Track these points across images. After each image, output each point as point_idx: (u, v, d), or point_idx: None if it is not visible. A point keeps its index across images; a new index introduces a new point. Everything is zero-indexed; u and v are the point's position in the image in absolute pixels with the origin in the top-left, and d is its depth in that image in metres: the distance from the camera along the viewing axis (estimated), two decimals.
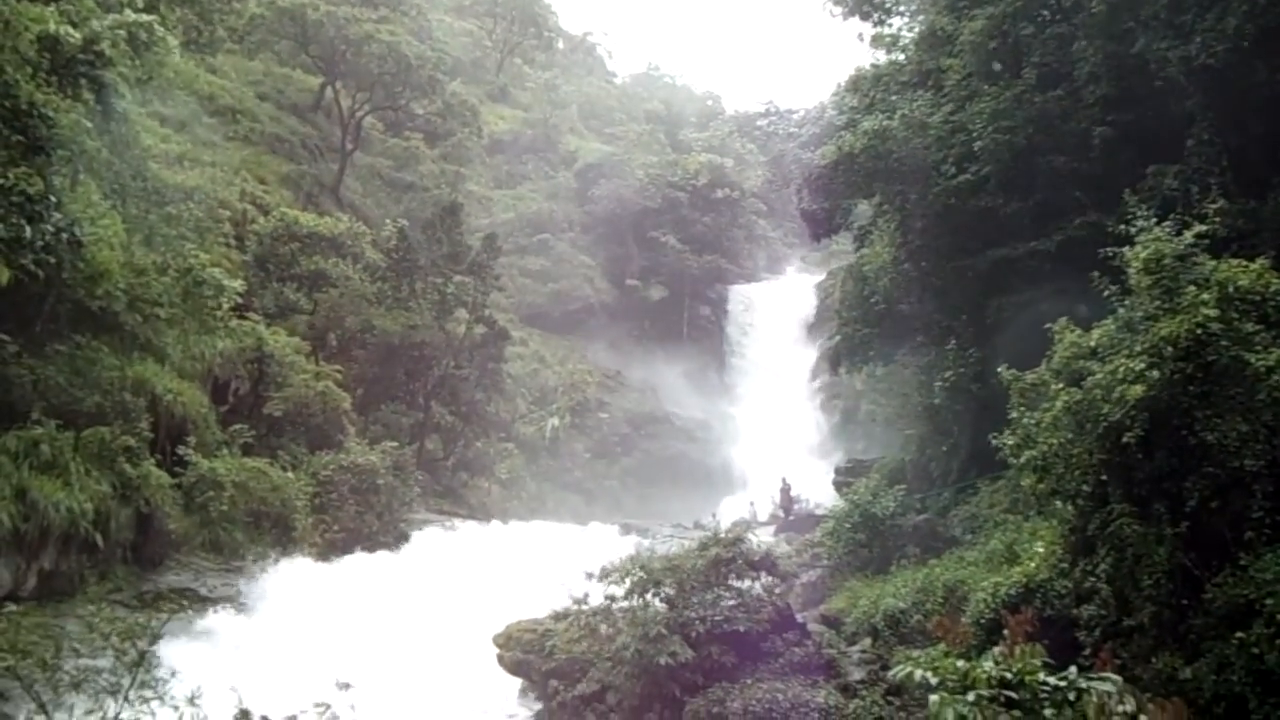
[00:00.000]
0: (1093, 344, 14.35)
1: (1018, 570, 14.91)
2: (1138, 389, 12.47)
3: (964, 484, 23.87)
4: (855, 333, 28.66)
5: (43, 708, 12.51)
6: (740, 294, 67.75)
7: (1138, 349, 12.94)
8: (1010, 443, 15.38)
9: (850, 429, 51.29)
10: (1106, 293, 14.98)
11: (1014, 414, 15.44)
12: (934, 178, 24.44)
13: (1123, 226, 15.25)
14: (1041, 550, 14.86)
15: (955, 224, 24.50)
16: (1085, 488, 13.58)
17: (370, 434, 33.45)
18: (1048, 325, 15.57)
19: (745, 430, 57.35)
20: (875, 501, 22.97)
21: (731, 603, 16.70)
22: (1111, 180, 20.00)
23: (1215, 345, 12.34)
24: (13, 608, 14.22)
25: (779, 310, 63.81)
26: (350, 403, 32.24)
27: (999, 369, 16.42)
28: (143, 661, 13.00)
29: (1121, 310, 14.28)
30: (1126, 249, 14.50)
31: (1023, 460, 14.73)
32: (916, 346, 27.72)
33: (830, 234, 34.17)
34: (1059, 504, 14.45)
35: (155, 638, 13.74)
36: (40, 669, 12.77)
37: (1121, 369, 12.83)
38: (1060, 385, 14.04)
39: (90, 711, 12.68)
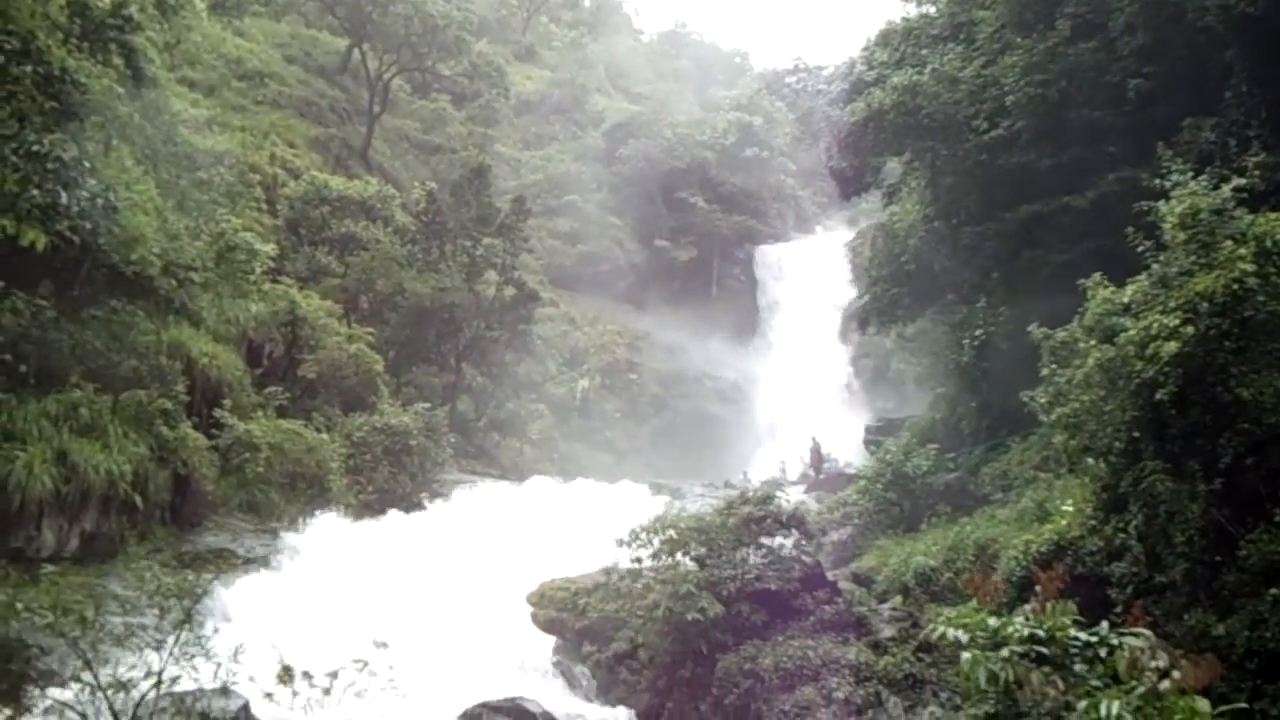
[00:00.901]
0: (1126, 300, 14.25)
1: (1049, 528, 14.91)
2: (1172, 345, 12.39)
3: (995, 442, 23.83)
4: (885, 292, 28.54)
5: (87, 664, 12.82)
6: (769, 254, 67.46)
7: (1172, 305, 12.84)
8: (1041, 400, 15.36)
9: (880, 388, 51.20)
10: (1140, 248, 14.84)
11: (1045, 372, 15.40)
12: (965, 133, 24.19)
13: (1158, 181, 15.09)
14: (1073, 508, 14.84)
15: (986, 181, 24.28)
16: (1117, 445, 13.55)
17: (403, 395, 33.72)
18: (1080, 282, 15.46)
19: (775, 390, 57.32)
20: (906, 460, 22.99)
21: (762, 561, 16.80)
22: (1147, 134, 19.74)
23: (1252, 300, 12.22)
24: (53, 568, 14.53)
25: (808, 270, 63.51)
26: (382, 365, 32.47)
27: (1030, 327, 16.35)
28: (189, 619, 13.31)
29: (1156, 266, 14.15)
30: (1161, 203, 14.36)
31: (1054, 418, 14.71)
32: (946, 305, 27.57)
33: (860, 192, 34.01)
34: (1090, 461, 14.42)
35: (200, 596, 14.05)
36: (80, 626, 13.07)
37: (1155, 325, 12.74)
38: (1092, 342, 13.97)
39: (133, 666, 13.01)
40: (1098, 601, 11.26)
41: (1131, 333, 13.12)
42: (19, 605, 13.23)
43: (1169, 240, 13.93)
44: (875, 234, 34.68)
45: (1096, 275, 15.21)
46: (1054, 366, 15.22)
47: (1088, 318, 14.77)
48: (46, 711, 12.67)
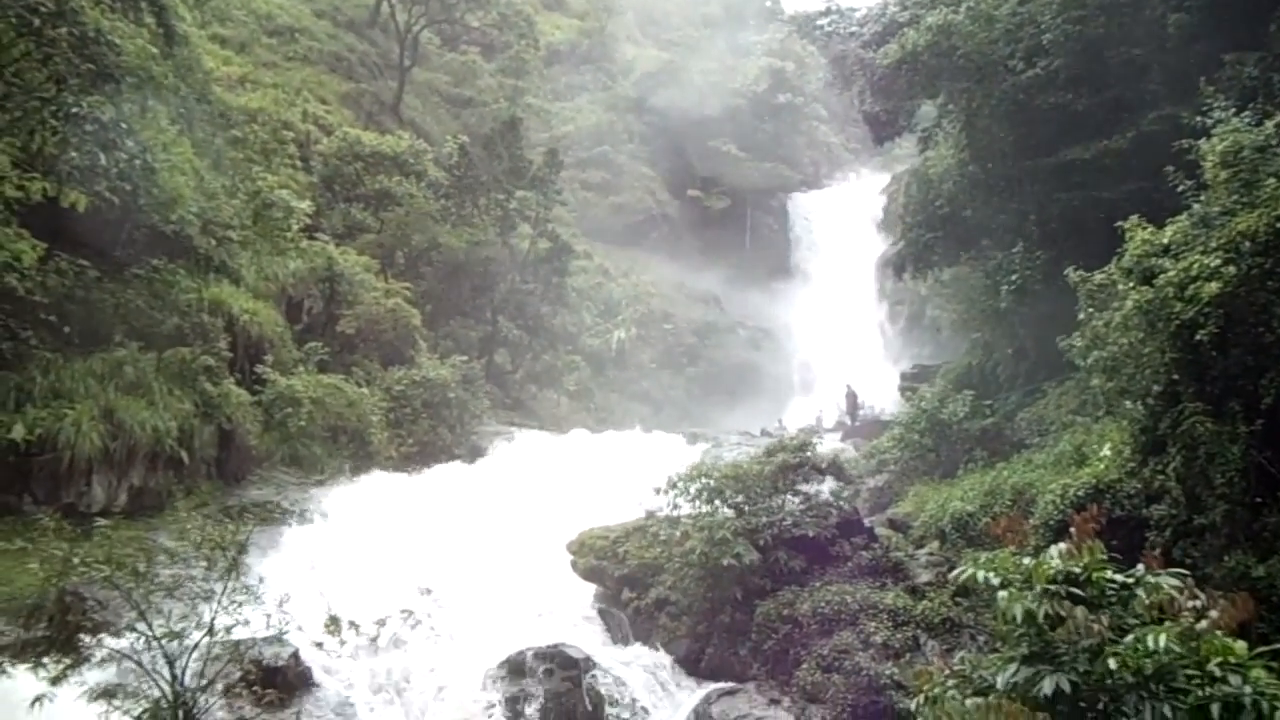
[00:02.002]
0: (1166, 241, 14.11)
1: (1086, 471, 14.91)
2: (1213, 286, 12.28)
3: (1031, 387, 23.73)
4: (920, 237, 28.30)
5: (141, 614, 13.17)
6: (802, 201, 66.95)
7: (1213, 245, 12.71)
8: (1079, 344, 15.28)
9: (915, 334, 50.91)
10: (1181, 188, 14.67)
11: (1082, 315, 15.30)
12: (1001, 74, 23.81)
13: (1199, 119, 14.87)
14: (1110, 451, 14.82)
15: (1023, 122, 23.93)
16: (1156, 387, 13.48)
17: (440, 349, 34.00)
18: (1118, 224, 15.31)
19: (810, 338, 57.19)
20: (942, 406, 22.97)
21: (799, 507, 16.91)
22: (1187, 71, 19.35)
23: None
24: (105, 522, 14.86)
25: (842, 217, 63.02)
26: (419, 319, 32.72)
27: (1067, 270, 16.22)
28: (235, 569, 13.63)
29: (1196, 206, 13.99)
30: (1203, 142, 14.16)
31: (1091, 361, 14.65)
32: (982, 250, 27.31)
33: (893, 137, 33.63)
34: (1128, 404, 14.36)
35: (243, 547, 14.37)
36: (134, 578, 13.41)
37: (1196, 266, 12.62)
38: (1131, 284, 13.86)
39: (185, 616, 13.36)
40: (1136, 544, 11.28)
41: (1171, 274, 13.01)
42: (74, 559, 13.60)
43: (1210, 179, 13.76)
44: (909, 179, 34.35)
45: (1135, 217, 15.05)
46: (1091, 310, 15.12)
47: (1126, 259, 14.64)
48: (104, 660, 13.04)
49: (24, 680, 12.44)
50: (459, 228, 39.22)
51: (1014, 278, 23.89)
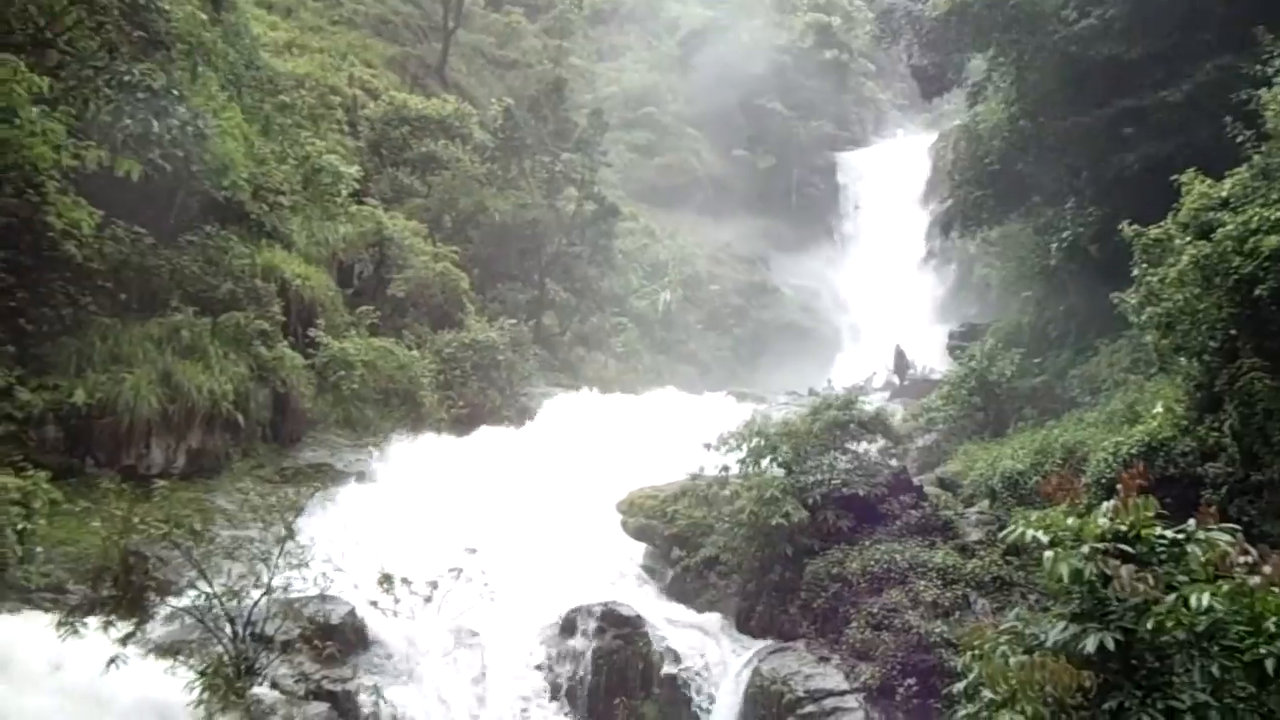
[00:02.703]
0: (1224, 194, 13.86)
1: (1139, 429, 14.77)
2: (1273, 239, 12.08)
3: (1082, 345, 23.47)
4: (969, 195, 27.94)
5: (202, 573, 13.54)
6: (849, 160, 66.20)
7: (1274, 197, 12.48)
8: (1132, 301, 15.10)
9: (964, 294, 50.38)
10: (1240, 139, 14.37)
11: (1136, 271, 15.10)
12: (1053, 24, 23.34)
13: (1259, 68, 14.54)
14: (1164, 409, 14.67)
15: (1076, 75, 23.48)
16: (1212, 343, 13.32)
17: (488, 312, 34.20)
18: (1174, 178, 15.05)
19: (857, 298, 56.80)
20: (991, 365, 22.80)
21: (847, 466, 16.90)
22: (1247, 18, 18.88)
23: None
24: (164, 483, 15.21)
25: (889, 175, 62.31)
26: (468, 282, 32.92)
27: (1120, 226, 15.99)
28: (290, 532, 13.94)
29: (1257, 157, 13.73)
30: (1263, 91, 13.86)
31: (1145, 318, 14.48)
32: (1033, 207, 26.93)
33: (942, 92, 33.10)
34: (1183, 361, 14.20)
35: (300, 510, 14.69)
36: (193, 538, 13.76)
37: (1256, 219, 12.41)
38: (1187, 239, 13.66)
39: (243, 575, 13.71)
40: (1190, 502, 11.17)
41: (1230, 227, 12.80)
42: (135, 519, 13.97)
43: (1271, 129, 13.48)
44: (958, 136, 33.87)
45: (1191, 170, 14.79)
46: (1146, 265, 14.91)
47: (1183, 214, 14.41)
48: (167, 618, 13.40)
49: (95, 639, 12.81)
50: (505, 191, 39.30)
51: (1065, 234, 23.57)
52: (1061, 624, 7.99)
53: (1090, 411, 19.03)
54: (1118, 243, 16.39)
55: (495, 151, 40.40)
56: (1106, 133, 22.83)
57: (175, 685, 12.49)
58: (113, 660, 12.30)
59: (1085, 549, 7.79)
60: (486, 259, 38.07)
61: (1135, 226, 15.58)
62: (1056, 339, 25.24)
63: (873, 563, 15.33)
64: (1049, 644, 7.97)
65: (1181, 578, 7.79)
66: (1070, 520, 8.11)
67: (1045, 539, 8.10)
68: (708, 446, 17.33)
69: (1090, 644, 7.64)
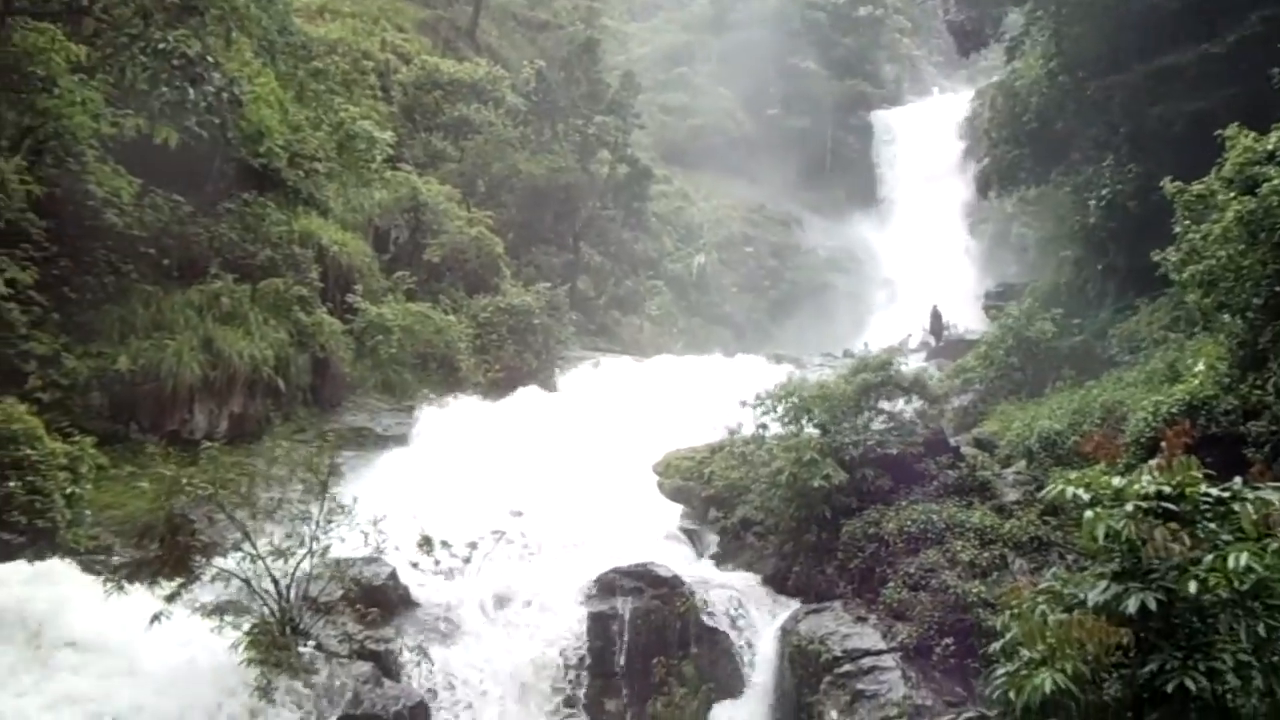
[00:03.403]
0: (1270, 148, 13.63)
1: (1180, 388, 14.64)
2: None
3: (1122, 304, 23.21)
4: (1006, 153, 27.60)
5: (246, 535, 13.75)
6: (884, 119, 65.51)
7: None
8: (1174, 258, 14.89)
9: (1001, 253, 49.94)
10: None
11: (1178, 228, 14.90)
12: None
13: None
14: (1206, 367, 14.51)
15: (1116, 28, 23.06)
16: (1257, 300, 13.15)
17: (524, 276, 34.31)
18: (1218, 132, 14.79)
19: (893, 258, 56.40)
20: (1029, 324, 22.61)
21: (884, 426, 16.87)
22: None
23: None
24: (210, 445, 15.42)
25: (924, 134, 61.63)
26: (502, 247, 33.00)
27: (1162, 182, 15.76)
28: (325, 491, 14.12)
29: None
30: None
31: (1186, 275, 14.29)
32: (1071, 165, 26.56)
33: (979, 48, 32.65)
34: (1226, 319, 14.03)
35: (334, 470, 14.86)
36: (238, 501, 13.97)
37: None
38: (1231, 194, 13.45)
39: (287, 536, 13.92)
40: (1232, 462, 11.09)
41: (1276, 182, 12.60)
42: (182, 481, 14.20)
43: None
44: (995, 93, 33.39)
45: (1235, 124, 14.53)
46: (1188, 222, 14.70)
47: (1227, 169, 14.17)
48: (213, 579, 13.63)
49: (141, 598, 13.07)
50: (538, 155, 39.27)
51: (1104, 192, 23.26)
52: (1102, 584, 7.97)
53: (1129, 371, 18.86)
54: (1158, 200, 16.18)
55: (528, 115, 40.35)
56: (1147, 88, 22.46)
57: (222, 644, 12.74)
58: (156, 617, 12.54)
59: (1128, 508, 7.75)
60: (521, 223, 38.12)
61: (1177, 183, 15.35)
62: (1095, 298, 24.98)
63: (909, 523, 15.30)
64: (1089, 604, 7.96)
65: (1226, 537, 7.74)
66: (1114, 480, 8.06)
67: (1086, 497, 8.05)
68: (744, 404, 17.34)
69: (1132, 604, 7.63)
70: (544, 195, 38.54)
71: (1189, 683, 7.48)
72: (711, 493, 18.62)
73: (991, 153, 28.81)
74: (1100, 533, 7.86)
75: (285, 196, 23.53)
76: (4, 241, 17.38)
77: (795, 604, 15.75)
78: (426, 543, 15.70)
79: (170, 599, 12.99)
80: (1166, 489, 7.95)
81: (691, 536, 18.93)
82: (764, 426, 17.26)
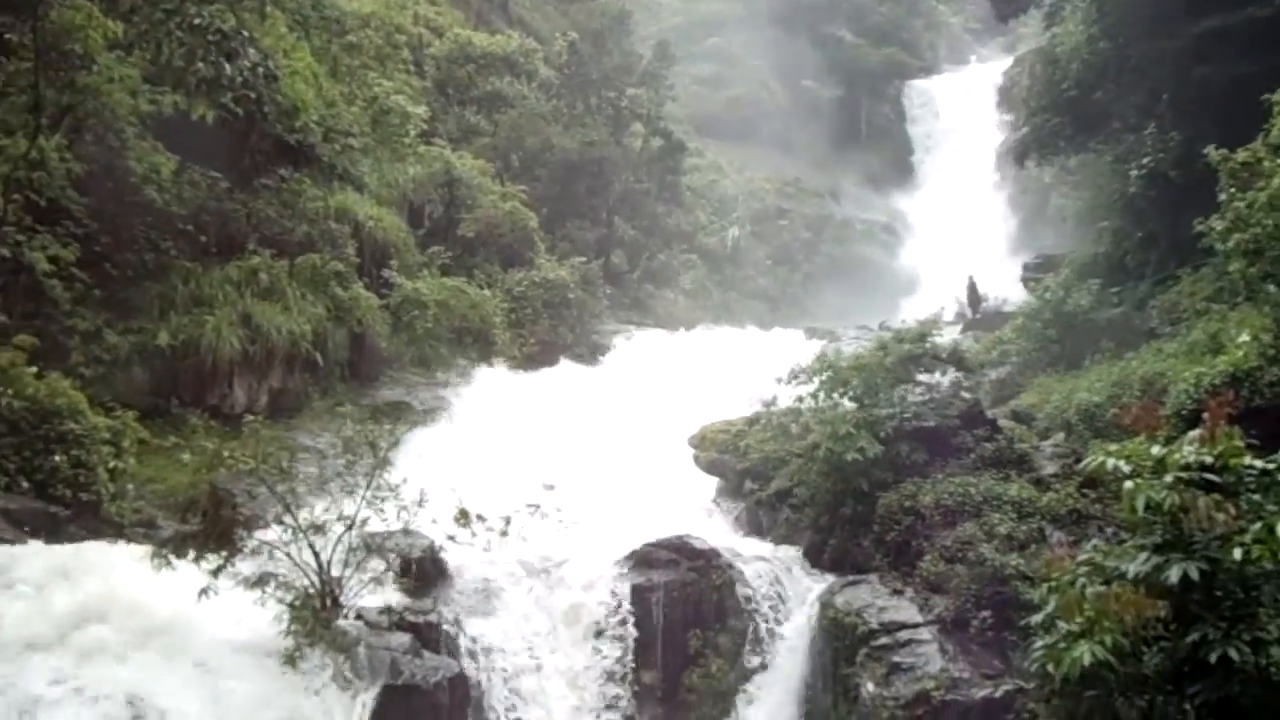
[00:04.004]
0: None
1: (1223, 359, 14.44)
2: None
3: (1162, 275, 22.89)
4: (1045, 122, 27.19)
5: (288, 508, 13.89)
6: (920, 88, 64.81)
7: None
8: (1218, 227, 14.66)
9: (1038, 225, 49.40)
10: None
11: (1223, 196, 14.66)
12: None
13: None
14: (1250, 337, 14.29)
15: None
16: None
17: (558, 250, 34.36)
18: (1265, 97, 14.52)
19: (929, 230, 55.92)
20: (1067, 296, 22.37)
21: (920, 399, 16.77)
22: None
23: None
24: (251, 418, 15.57)
25: (961, 103, 60.93)
26: (537, 221, 33.06)
27: (1207, 149, 15.50)
28: (381, 466, 14.23)
29: None
30: None
31: (1231, 244, 14.07)
32: (1111, 134, 26.15)
33: (1017, 14, 32.19)
34: (1272, 289, 13.80)
35: (394, 443, 14.97)
36: (278, 474, 14.11)
37: None
38: (1278, 161, 13.21)
39: (326, 510, 14.06)
40: (1277, 434, 10.96)
41: None
42: (224, 455, 14.36)
43: None
44: (1034, 60, 33.00)
45: None
46: (1233, 190, 14.45)
47: (1274, 135, 13.92)
48: (254, 551, 13.78)
49: (186, 572, 13.25)
50: (571, 128, 39.20)
51: (1145, 161, 22.89)
52: (1143, 555, 7.92)
53: (1170, 342, 18.61)
54: (1201, 168, 15.91)
55: (560, 88, 40.27)
56: (1191, 53, 22.03)
57: (265, 616, 12.90)
58: (203, 591, 12.71)
59: (1168, 479, 7.68)
60: (554, 197, 38.11)
61: (1221, 150, 15.08)
62: (1135, 269, 24.65)
63: (946, 496, 15.21)
64: (1129, 575, 7.91)
65: (1271, 508, 7.66)
66: (1153, 449, 7.99)
67: (1127, 469, 7.98)
68: (780, 380, 17.27)
69: (1174, 574, 7.57)
70: (577, 169, 38.50)
71: (1232, 653, 7.42)
72: (747, 465, 18.62)
73: (1030, 121, 28.41)
74: (1140, 504, 7.80)
75: (321, 172, 23.63)
76: (46, 219, 17.58)
77: (831, 577, 15.71)
78: (463, 516, 15.81)
79: (215, 573, 13.14)
80: (1208, 459, 7.86)
81: (727, 509, 18.96)
82: (800, 399, 17.19)
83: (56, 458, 14.92)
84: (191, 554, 13.06)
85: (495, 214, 30.98)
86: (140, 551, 13.48)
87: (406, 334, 24.69)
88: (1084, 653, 7.65)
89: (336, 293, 22.13)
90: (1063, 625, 8.23)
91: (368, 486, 13.93)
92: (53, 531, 14.27)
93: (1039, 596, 8.89)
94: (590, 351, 28.78)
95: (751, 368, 21.62)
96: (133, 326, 18.83)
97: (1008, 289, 38.73)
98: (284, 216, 22.14)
